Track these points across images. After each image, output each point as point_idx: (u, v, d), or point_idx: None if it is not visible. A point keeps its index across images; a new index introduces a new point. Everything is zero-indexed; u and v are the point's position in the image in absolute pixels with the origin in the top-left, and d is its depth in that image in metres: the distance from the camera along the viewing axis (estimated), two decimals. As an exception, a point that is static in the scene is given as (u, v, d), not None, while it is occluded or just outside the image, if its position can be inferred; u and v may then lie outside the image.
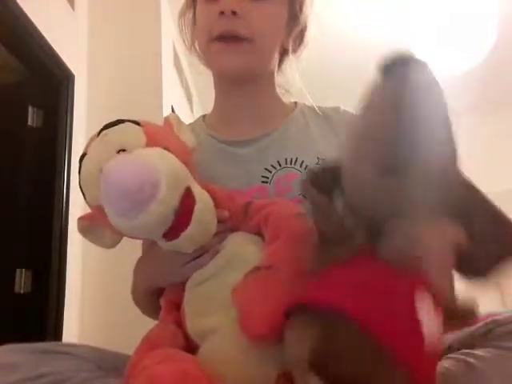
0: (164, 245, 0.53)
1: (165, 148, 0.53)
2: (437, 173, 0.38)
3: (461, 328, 0.45)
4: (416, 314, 0.38)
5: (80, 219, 0.60)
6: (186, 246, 0.54)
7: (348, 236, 0.42)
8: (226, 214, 0.59)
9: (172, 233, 0.50)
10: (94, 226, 0.60)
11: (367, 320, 0.37)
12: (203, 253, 0.56)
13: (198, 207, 0.51)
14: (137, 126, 0.56)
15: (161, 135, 0.57)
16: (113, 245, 0.62)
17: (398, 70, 0.39)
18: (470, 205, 0.42)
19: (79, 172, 0.56)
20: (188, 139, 0.61)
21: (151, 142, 0.54)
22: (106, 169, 0.48)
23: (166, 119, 0.62)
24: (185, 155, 0.56)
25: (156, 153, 0.52)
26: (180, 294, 0.58)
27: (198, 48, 0.81)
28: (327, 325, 0.38)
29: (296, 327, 0.42)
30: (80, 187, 0.57)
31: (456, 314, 0.42)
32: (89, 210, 0.60)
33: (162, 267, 0.62)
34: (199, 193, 0.53)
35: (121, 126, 0.56)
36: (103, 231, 0.60)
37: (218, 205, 0.57)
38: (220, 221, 0.57)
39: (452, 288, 0.42)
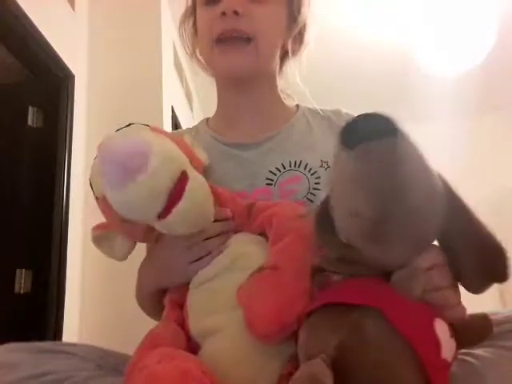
0: (159, 226, 0.53)
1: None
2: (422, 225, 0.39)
3: (477, 343, 0.46)
4: (433, 324, 0.40)
5: (93, 229, 0.62)
6: (179, 224, 0.53)
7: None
8: (229, 212, 0.59)
9: (165, 211, 0.51)
10: (106, 235, 0.61)
11: (394, 314, 0.39)
12: (207, 254, 0.57)
13: (190, 184, 0.51)
14: (145, 127, 0.58)
15: (167, 134, 0.58)
16: (124, 255, 0.63)
17: (358, 143, 0.36)
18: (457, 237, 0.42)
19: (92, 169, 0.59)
20: (201, 156, 0.63)
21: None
22: (101, 143, 0.49)
23: (180, 135, 0.65)
24: (191, 155, 0.57)
25: (153, 134, 0.53)
26: (183, 294, 0.58)
27: (199, 55, 0.82)
28: (358, 317, 0.41)
29: (318, 324, 0.43)
30: (90, 182, 0.59)
31: (470, 331, 0.44)
32: (88, 212, 0.60)
33: (165, 268, 0.62)
34: (195, 175, 0.53)
35: (130, 126, 0.59)
36: (115, 240, 0.62)
37: (222, 205, 0.58)
38: (222, 219, 0.58)
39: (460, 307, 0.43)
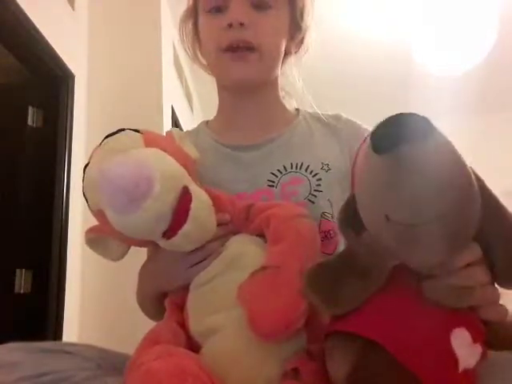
0: (164, 244, 0.54)
1: (162, 150, 0.55)
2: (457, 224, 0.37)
3: None
4: (449, 348, 0.39)
5: (87, 232, 0.62)
6: (185, 244, 0.54)
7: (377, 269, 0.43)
8: (228, 217, 0.60)
9: (170, 231, 0.51)
10: (100, 238, 0.61)
11: (397, 350, 0.39)
12: (206, 256, 0.57)
13: (194, 204, 0.51)
14: (137, 133, 0.58)
15: (160, 141, 0.58)
16: (119, 257, 0.63)
17: (390, 149, 0.34)
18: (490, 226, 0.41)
19: (83, 180, 0.58)
20: (190, 151, 0.62)
21: (150, 146, 0.56)
22: (102, 168, 0.49)
23: (168, 133, 0.64)
24: (184, 160, 0.57)
25: (151, 152, 0.53)
26: (184, 296, 0.58)
27: (201, 58, 0.82)
28: (362, 351, 0.41)
29: (335, 351, 0.44)
30: (83, 194, 0.58)
31: (504, 331, 0.43)
32: (88, 211, 0.60)
33: (165, 271, 0.62)
34: (197, 191, 0.53)
35: (121, 133, 0.58)
36: (110, 243, 0.61)
37: (220, 209, 0.58)
38: (221, 224, 0.58)
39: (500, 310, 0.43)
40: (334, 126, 0.79)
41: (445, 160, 0.35)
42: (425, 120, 0.34)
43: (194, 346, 0.53)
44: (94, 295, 1.91)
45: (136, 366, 0.43)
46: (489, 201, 0.41)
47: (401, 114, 0.35)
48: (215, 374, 0.45)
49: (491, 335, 0.43)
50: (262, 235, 0.58)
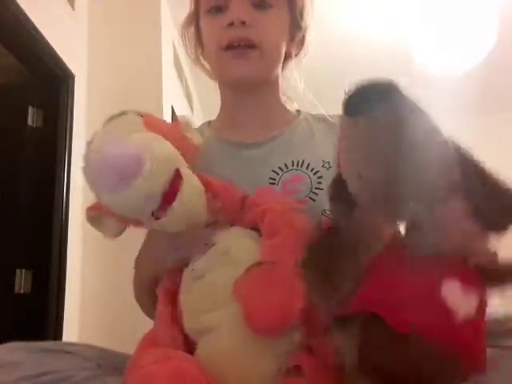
0: (153, 224, 0.54)
1: (161, 134, 0.55)
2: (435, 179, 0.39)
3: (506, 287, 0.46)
4: (443, 302, 0.40)
5: (88, 209, 0.62)
6: (173, 224, 0.54)
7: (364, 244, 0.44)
8: (218, 203, 0.59)
9: (159, 211, 0.52)
10: (100, 215, 0.61)
11: (397, 317, 0.40)
12: (195, 240, 0.57)
13: (184, 186, 0.52)
14: (137, 117, 0.58)
15: (160, 126, 0.58)
16: (118, 234, 0.63)
17: (361, 109, 0.37)
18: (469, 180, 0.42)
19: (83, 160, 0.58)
20: (193, 136, 0.63)
21: (149, 129, 0.56)
22: (94, 147, 0.50)
23: (176, 118, 0.64)
24: (182, 144, 0.57)
25: (146, 134, 0.54)
26: (176, 282, 0.57)
27: (203, 61, 0.83)
28: (364, 325, 0.41)
29: (337, 339, 0.44)
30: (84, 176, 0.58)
31: (498, 274, 0.43)
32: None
33: (155, 251, 0.63)
34: (188, 175, 0.54)
35: (122, 116, 0.59)
36: (109, 220, 0.61)
37: (213, 196, 0.58)
38: (212, 210, 0.58)
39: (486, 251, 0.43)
40: (333, 125, 0.80)
41: (411, 121, 0.37)
42: (390, 85, 0.38)
43: (191, 348, 0.52)
44: (94, 295, 1.91)
45: (136, 369, 0.43)
46: (466, 159, 0.42)
47: (368, 80, 0.38)
48: (211, 372, 0.45)
49: (491, 280, 0.43)
50: (256, 228, 0.58)
